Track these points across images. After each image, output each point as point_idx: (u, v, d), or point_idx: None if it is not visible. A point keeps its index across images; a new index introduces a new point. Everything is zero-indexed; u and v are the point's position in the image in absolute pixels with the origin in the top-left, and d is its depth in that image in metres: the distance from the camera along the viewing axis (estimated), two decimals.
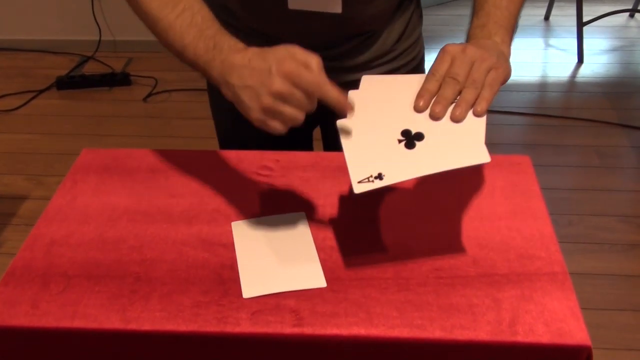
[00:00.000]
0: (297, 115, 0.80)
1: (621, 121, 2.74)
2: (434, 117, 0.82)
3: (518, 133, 2.76)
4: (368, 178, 0.77)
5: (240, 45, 0.86)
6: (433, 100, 0.83)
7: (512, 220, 0.96)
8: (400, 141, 0.80)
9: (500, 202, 0.99)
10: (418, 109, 0.82)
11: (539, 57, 3.29)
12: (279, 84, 0.78)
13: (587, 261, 2.06)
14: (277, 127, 0.81)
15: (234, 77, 0.83)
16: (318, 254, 0.90)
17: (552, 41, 3.43)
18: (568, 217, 2.23)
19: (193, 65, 0.90)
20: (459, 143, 0.81)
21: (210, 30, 0.88)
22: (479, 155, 0.80)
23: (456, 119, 0.82)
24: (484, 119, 0.83)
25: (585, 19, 3.13)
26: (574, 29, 3.20)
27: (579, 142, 2.63)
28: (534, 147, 2.61)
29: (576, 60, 3.21)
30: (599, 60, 3.23)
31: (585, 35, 3.17)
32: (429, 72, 0.85)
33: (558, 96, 3.03)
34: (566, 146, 2.62)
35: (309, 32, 1.06)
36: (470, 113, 0.83)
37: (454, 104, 0.84)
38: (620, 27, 3.52)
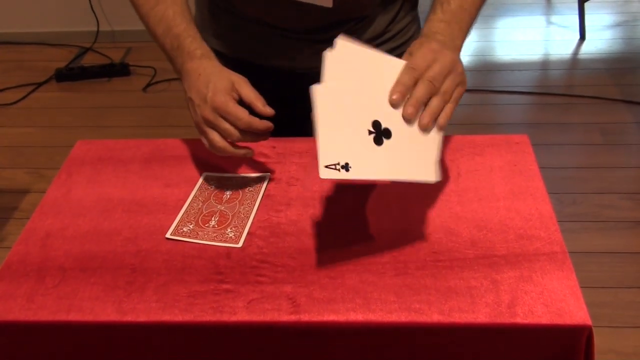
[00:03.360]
0: (231, 132, 0.90)
1: (624, 97, 2.71)
2: (406, 118, 0.82)
3: (520, 112, 2.74)
4: (335, 165, 0.77)
5: (198, 52, 0.95)
6: (407, 100, 0.82)
7: (511, 200, 0.95)
8: (370, 132, 0.80)
9: (498, 183, 0.98)
10: (392, 103, 0.81)
11: (541, 35, 3.25)
12: (208, 112, 0.90)
13: (592, 239, 2.04)
14: (214, 138, 0.91)
15: (185, 83, 0.95)
16: (314, 240, 0.89)
17: (553, 18, 3.40)
18: (572, 195, 2.22)
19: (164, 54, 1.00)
20: (415, 155, 0.83)
21: (177, 28, 0.97)
22: (429, 173, 0.83)
23: (423, 128, 0.83)
24: (440, 135, 0.84)
25: None
26: (575, 6, 3.16)
27: (582, 120, 2.61)
28: (537, 126, 2.59)
29: (578, 37, 3.17)
30: (601, 36, 3.20)
31: (586, 11, 3.13)
32: (408, 64, 0.83)
33: (560, 74, 3.00)
34: (569, 124, 2.59)
35: (299, 18, 1.05)
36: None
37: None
38: (622, 1, 3.48)
